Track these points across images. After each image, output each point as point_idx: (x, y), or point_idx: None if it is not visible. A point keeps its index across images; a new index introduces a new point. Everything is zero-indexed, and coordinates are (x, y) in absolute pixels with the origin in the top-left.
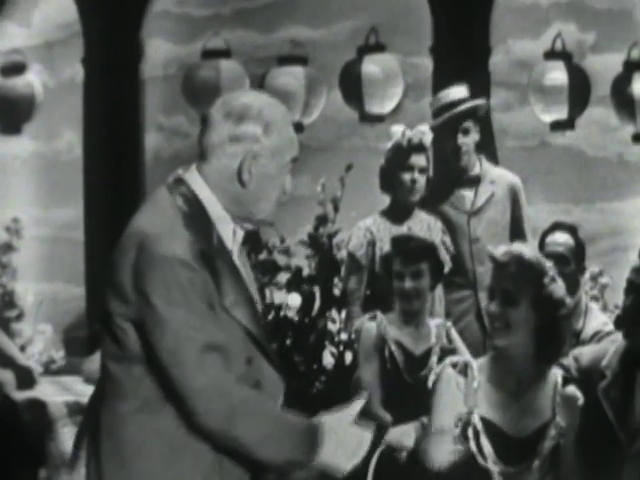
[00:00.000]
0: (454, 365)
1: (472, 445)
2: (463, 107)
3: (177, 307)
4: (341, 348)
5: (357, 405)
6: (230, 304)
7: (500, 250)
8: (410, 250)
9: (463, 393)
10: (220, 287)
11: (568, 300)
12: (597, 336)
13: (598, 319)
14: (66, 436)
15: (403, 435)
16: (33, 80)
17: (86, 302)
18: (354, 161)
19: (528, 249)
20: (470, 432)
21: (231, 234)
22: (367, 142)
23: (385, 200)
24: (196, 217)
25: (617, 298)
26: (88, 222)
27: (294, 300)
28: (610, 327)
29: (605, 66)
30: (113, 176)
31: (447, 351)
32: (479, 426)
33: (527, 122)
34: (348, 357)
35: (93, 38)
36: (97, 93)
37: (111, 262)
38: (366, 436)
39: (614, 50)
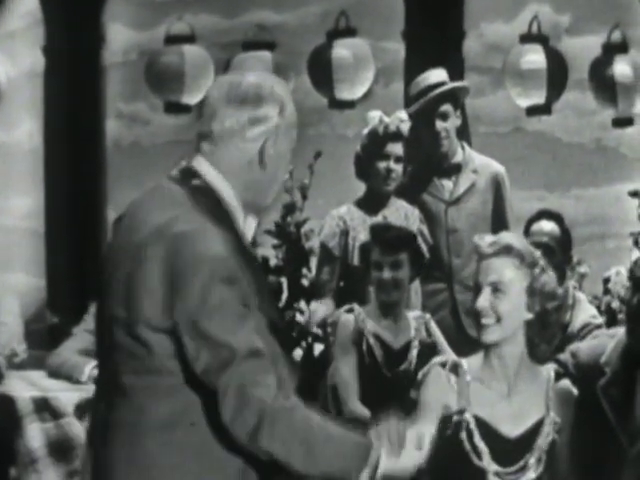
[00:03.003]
0: (443, 364)
1: (466, 445)
2: (438, 90)
3: (217, 312)
4: (309, 340)
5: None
6: (259, 301)
7: (486, 240)
8: (389, 239)
9: (456, 391)
10: (250, 284)
11: (559, 291)
12: (585, 329)
13: (586, 312)
14: (33, 433)
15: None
16: None
17: (47, 293)
18: (321, 148)
19: (516, 238)
20: (463, 432)
21: (243, 225)
22: (335, 129)
23: (354, 188)
24: (215, 210)
25: (595, 288)
26: (49, 212)
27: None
28: (599, 320)
29: (581, 49)
30: (74, 164)
31: (426, 345)
32: (472, 425)
33: (501, 107)
34: (317, 349)
35: (54, 25)
36: (58, 81)
37: (114, 267)
38: (425, 434)
39: (590, 32)
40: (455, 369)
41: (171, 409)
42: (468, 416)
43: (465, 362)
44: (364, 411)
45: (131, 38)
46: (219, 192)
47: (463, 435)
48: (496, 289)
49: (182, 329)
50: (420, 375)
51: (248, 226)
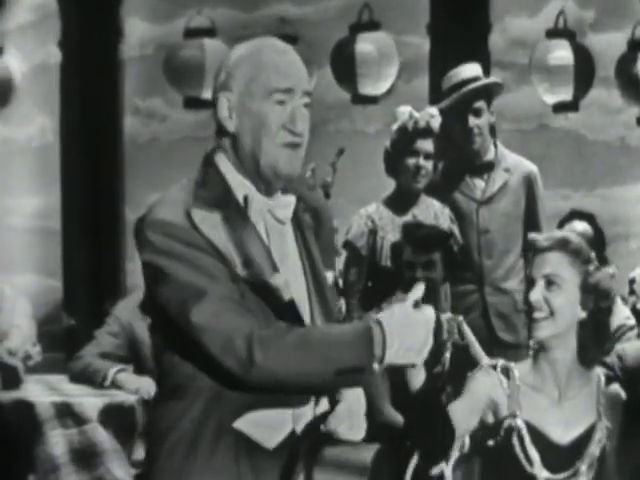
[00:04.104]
0: (494, 367)
1: (517, 450)
2: (472, 86)
3: (177, 265)
4: None
5: (414, 293)
6: (251, 272)
7: (542, 235)
8: (421, 239)
9: (507, 394)
10: (239, 255)
11: (613, 291)
12: (620, 331)
13: (621, 313)
14: (54, 439)
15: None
16: (10, 64)
17: (63, 294)
18: (342, 145)
19: (572, 235)
20: (515, 437)
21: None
22: (355, 125)
23: (375, 186)
24: (211, 184)
25: (620, 289)
26: (64, 210)
27: None
28: (632, 321)
29: (606, 45)
30: (90, 162)
31: (459, 347)
32: (523, 431)
33: (525, 104)
34: None
35: (70, 19)
36: (74, 76)
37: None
38: (429, 317)
39: (615, 28)
40: (506, 372)
41: (172, 381)
42: (519, 421)
43: (515, 366)
44: (396, 416)
45: (147, 32)
46: (220, 167)
47: (515, 440)
48: (550, 282)
49: (153, 289)
50: (468, 375)
51: (283, 203)
